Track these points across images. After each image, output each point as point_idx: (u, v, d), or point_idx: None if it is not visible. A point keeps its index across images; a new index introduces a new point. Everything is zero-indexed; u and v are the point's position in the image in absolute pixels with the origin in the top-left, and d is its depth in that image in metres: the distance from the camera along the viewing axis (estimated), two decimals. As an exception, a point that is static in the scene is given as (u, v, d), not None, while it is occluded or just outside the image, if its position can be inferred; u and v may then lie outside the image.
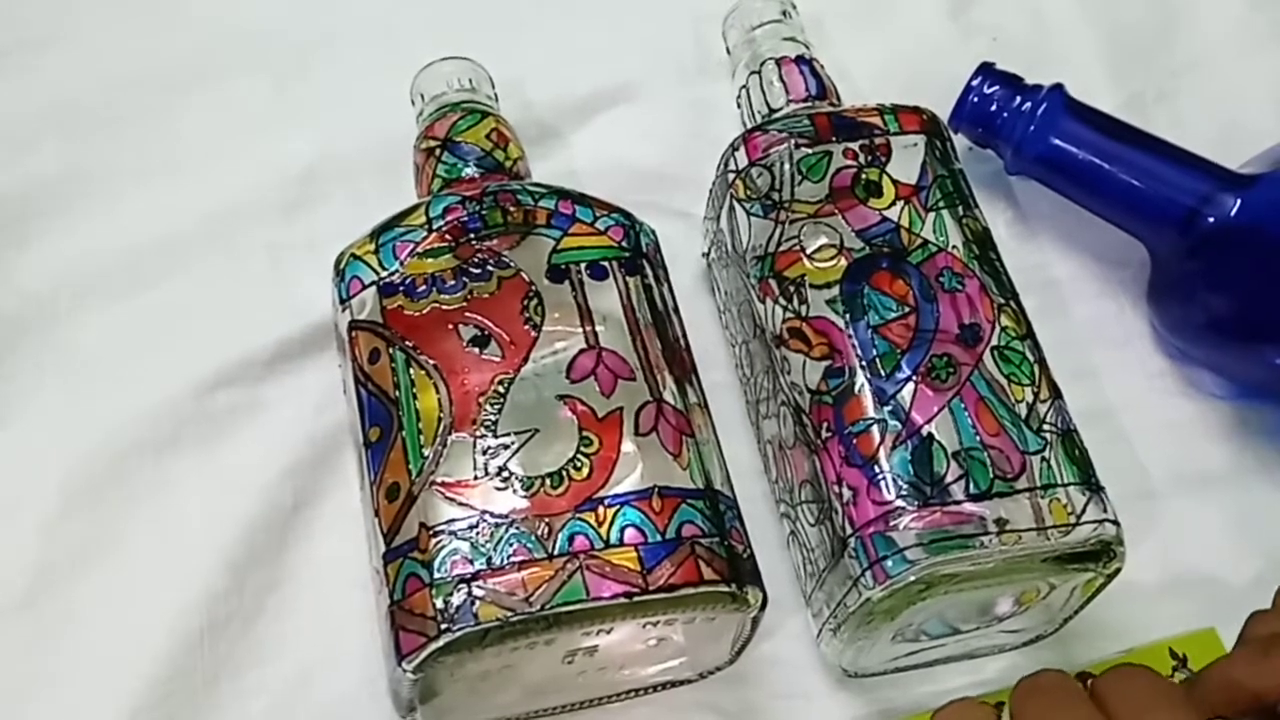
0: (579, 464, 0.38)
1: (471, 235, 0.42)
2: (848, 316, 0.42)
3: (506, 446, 0.38)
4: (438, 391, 0.39)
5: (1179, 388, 0.51)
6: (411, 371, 0.40)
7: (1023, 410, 0.40)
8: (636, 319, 0.41)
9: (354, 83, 0.56)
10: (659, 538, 0.37)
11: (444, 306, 0.41)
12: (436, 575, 0.36)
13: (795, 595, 0.45)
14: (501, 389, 0.39)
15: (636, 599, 0.36)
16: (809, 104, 0.48)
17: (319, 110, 0.55)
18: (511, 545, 0.37)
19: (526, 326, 0.40)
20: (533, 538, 0.37)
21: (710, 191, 0.48)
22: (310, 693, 0.44)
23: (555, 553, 0.36)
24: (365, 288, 0.42)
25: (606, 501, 0.37)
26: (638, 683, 0.43)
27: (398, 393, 0.39)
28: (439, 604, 0.36)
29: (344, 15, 0.58)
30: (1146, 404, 0.50)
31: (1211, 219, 0.47)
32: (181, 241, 0.52)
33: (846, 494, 0.40)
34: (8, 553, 0.45)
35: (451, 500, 0.37)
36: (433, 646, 0.36)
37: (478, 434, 0.38)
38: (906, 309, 0.41)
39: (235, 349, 0.49)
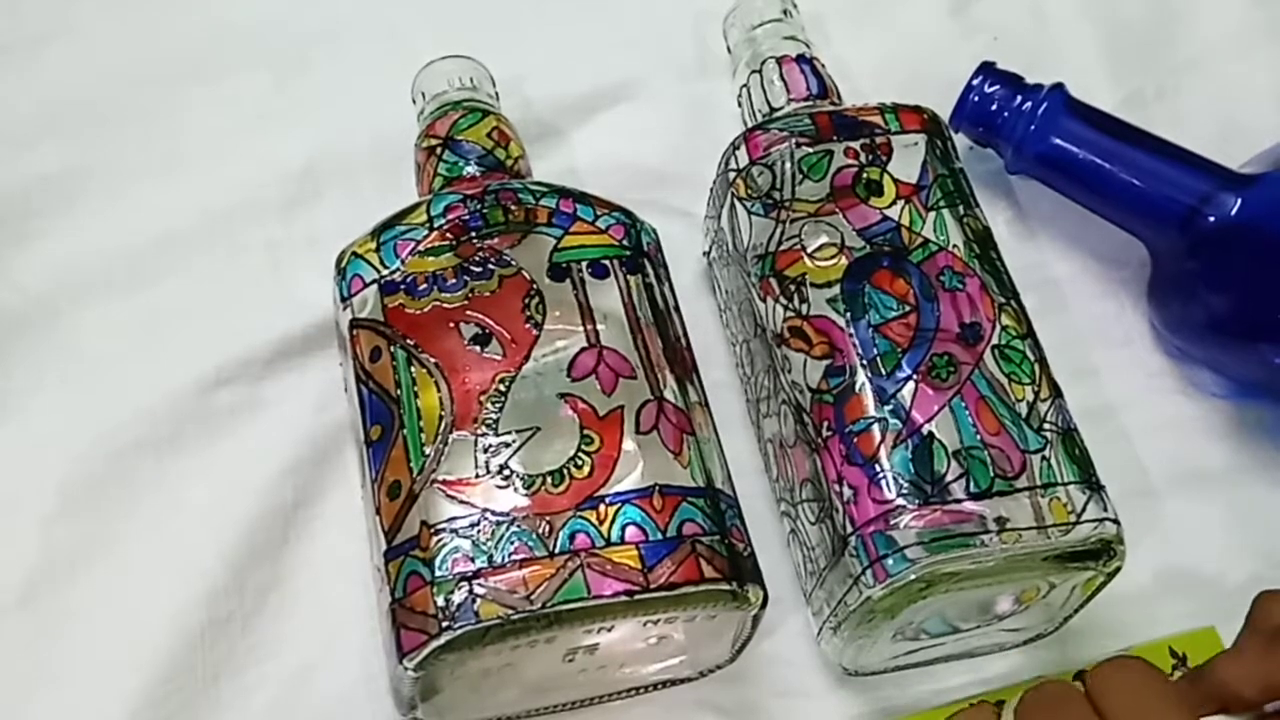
0: (580, 462, 0.38)
1: (473, 234, 0.42)
2: (848, 315, 0.42)
3: (508, 445, 0.38)
4: (439, 390, 0.39)
5: (1179, 387, 0.51)
6: (413, 370, 0.40)
7: (1023, 409, 0.40)
8: (637, 317, 0.41)
9: (355, 80, 0.56)
10: (660, 536, 0.37)
11: (445, 305, 0.41)
12: (438, 573, 0.36)
13: (795, 594, 0.45)
14: (503, 387, 0.39)
15: (637, 597, 0.36)
16: (810, 103, 0.48)
17: (319, 108, 0.55)
18: (512, 543, 0.37)
19: (528, 325, 0.40)
20: (534, 536, 0.37)
21: (711, 190, 0.48)
22: (311, 690, 0.44)
23: (556, 551, 0.36)
24: (366, 286, 0.42)
25: (607, 500, 0.37)
26: (638, 681, 0.43)
27: (399, 391, 0.39)
28: (440, 602, 0.36)
29: (345, 13, 0.58)
30: (1146, 403, 0.50)
31: (1212, 218, 0.47)
32: (182, 239, 0.52)
33: (847, 493, 0.40)
34: (8, 551, 0.45)
35: (453, 498, 0.37)
36: (434, 644, 0.36)
37: (479, 432, 0.38)
38: (907, 308, 0.42)
39: (236, 347, 0.49)
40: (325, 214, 0.53)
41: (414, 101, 0.50)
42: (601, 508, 0.37)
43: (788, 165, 0.44)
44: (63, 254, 0.51)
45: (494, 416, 0.39)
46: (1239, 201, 0.47)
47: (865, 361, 0.41)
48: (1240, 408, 0.50)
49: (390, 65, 0.51)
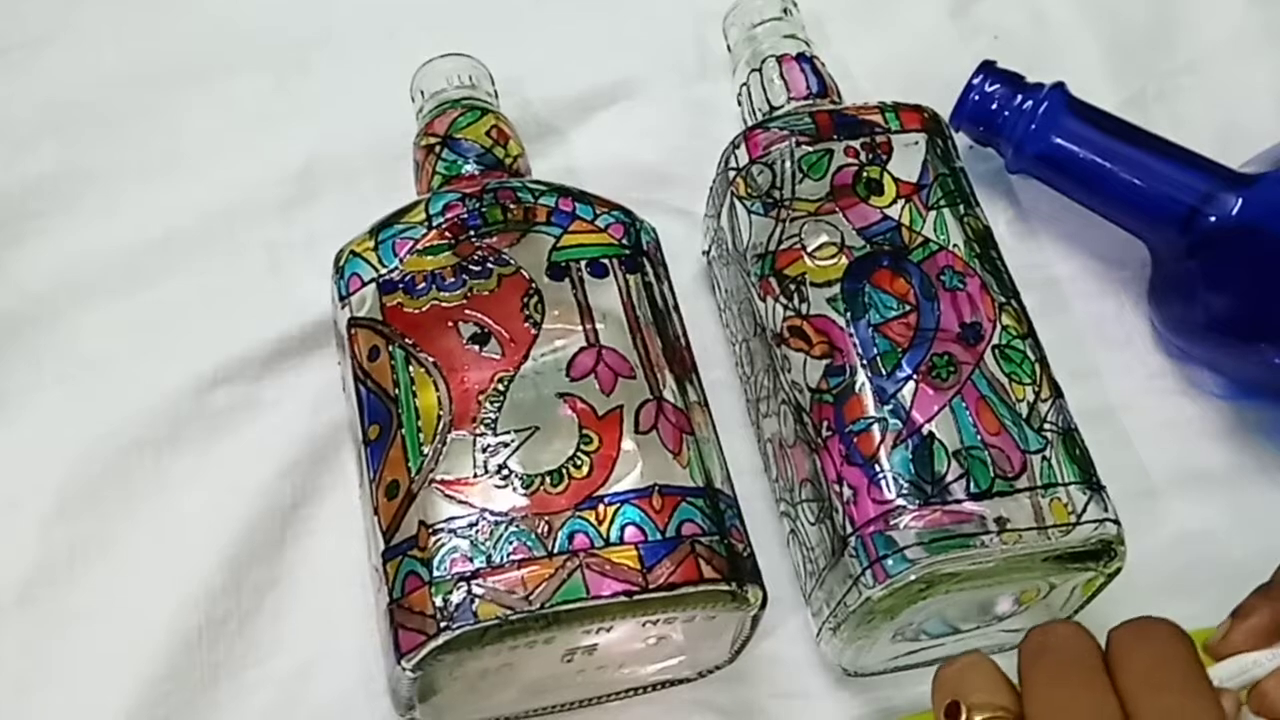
0: (579, 462, 0.38)
1: (471, 232, 0.42)
2: (848, 315, 0.42)
3: (506, 444, 0.38)
4: (437, 389, 0.39)
5: (1179, 387, 0.51)
6: (411, 369, 0.40)
7: (1023, 409, 0.40)
8: (637, 317, 0.41)
9: (354, 80, 0.55)
10: (659, 536, 0.37)
11: (444, 304, 0.41)
12: (436, 573, 0.36)
13: (795, 594, 0.45)
14: (501, 387, 0.39)
15: (636, 597, 0.36)
16: (810, 102, 0.48)
17: (318, 107, 0.55)
18: (511, 543, 0.37)
19: (526, 324, 0.40)
20: (532, 536, 0.37)
21: (711, 189, 0.47)
22: (309, 691, 0.44)
23: (555, 551, 0.36)
24: (365, 285, 0.42)
25: (606, 500, 0.37)
26: (637, 681, 0.43)
27: (397, 390, 0.39)
28: (438, 602, 0.36)
29: (344, 12, 0.58)
30: (1147, 403, 0.50)
31: (1212, 218, 0.47)
32: (181, 239, 0.52)
33: (847, 493, 0.40)
34: (7, 551, 0.45)
35: (451, 498, 0.37)
36: (432, 645, 0.36)
37: (477, 432, 0.38)
38: (907, 307, 0.41)
39: (234, 346, 0.49)
40: (324, 214, 0.52)
41: (413, 100, 0.49)
42: (600, 508, 0.37)
43: (788, 164, 0.44)
44: (63, 254, 0.51)
45: (492, 416, 0.39)
46: (1240, 201, 0.47)
47: (865, 361, 0.41)
48: (1241, 408, 0.50)
49: (390, 66, 0.51)
